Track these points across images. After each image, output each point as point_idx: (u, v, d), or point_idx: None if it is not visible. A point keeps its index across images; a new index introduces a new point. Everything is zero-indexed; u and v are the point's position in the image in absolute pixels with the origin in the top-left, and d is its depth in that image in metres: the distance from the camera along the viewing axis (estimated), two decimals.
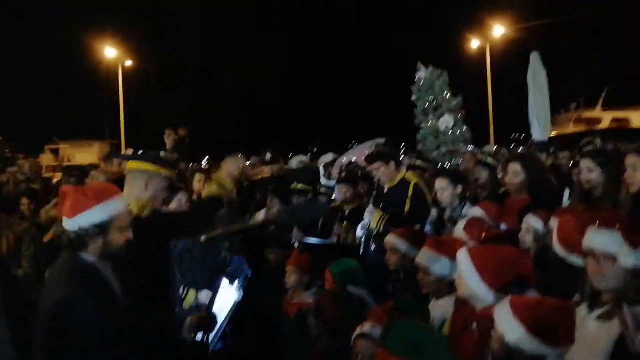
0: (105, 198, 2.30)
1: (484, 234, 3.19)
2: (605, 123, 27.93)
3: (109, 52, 29.02)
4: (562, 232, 2.56)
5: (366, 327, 2.57)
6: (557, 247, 2.57)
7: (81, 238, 2.25)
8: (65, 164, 30.26)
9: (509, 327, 1.86)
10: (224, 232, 2.03)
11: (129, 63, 30.18)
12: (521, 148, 13.19)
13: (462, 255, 2.48)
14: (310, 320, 3.20)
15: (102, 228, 2.27)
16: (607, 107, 30.40)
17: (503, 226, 3.38)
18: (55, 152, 33.88)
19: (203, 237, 2.11)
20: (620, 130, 21.99)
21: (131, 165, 3.16)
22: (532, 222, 3.24)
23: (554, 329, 1.85)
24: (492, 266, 2.37)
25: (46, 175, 23.70)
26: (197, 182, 4.93)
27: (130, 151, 6.53)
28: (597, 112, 30.28)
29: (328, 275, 3.57)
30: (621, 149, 8.02)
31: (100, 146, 35.20)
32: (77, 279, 2.24)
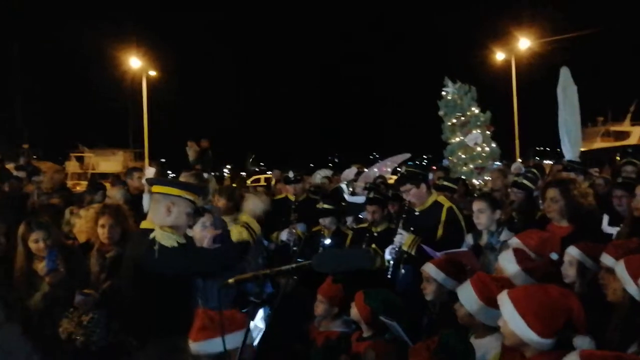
0: (229, 330, 2.25)
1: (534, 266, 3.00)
2: (634, 137, 27.27)
3: (134, 62, 29.42)
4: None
5: None
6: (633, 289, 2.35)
7: None
8: (90, 171, 30.71)
9: None
10: (254, 275, 1.89)
11: (152, 73, 30.57)
12: (552, 163, 12.86)
13: (504, 300, 2.30)
14: None
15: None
16: (636, 120, 29.71)
17: (554, 255, 3.18)
18: (80, 159, 34.41)
19: (232, 280, 1.97)
20: None
21: (155, 189, 3.09)
22: (576, 255, 3.04)
23: None
24: (540, 312, 2.21)
25: (71, 182, 24.14)
26: (220, 203, 4.77)
27: (151, 170, 6.42)
28: (625, 126, 29.60)
29: (363, 307, 3.37)
30: None
31: (123, 155, 35.68)
32: None
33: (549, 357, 2.17)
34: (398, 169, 10.83)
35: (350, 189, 8.11)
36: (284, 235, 5.43)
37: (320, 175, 9.27)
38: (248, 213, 3.30)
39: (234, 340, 2.20)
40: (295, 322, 4.05)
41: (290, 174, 5.87)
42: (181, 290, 3.03)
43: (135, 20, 50.75)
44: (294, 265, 1.84)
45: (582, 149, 13.24)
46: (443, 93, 10.03)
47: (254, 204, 3.36)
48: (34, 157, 33.89)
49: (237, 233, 3.18)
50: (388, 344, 3.17)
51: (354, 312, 3.42)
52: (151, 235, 2.88)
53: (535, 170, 6.02)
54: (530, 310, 2.22)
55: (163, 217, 2.97)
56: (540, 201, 4.38)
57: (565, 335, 2.22)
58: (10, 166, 10.51)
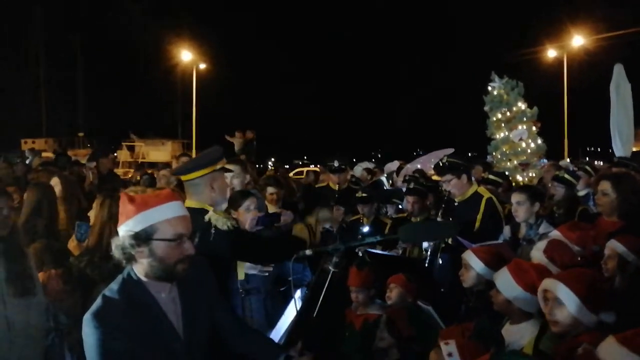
0: (150, 205, 1.99)
1: (568, 260, 2.98)
2: None
3: (185, 55, 30.30)
4: None
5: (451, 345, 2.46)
6: None
7: (124, 251, 1.98)
8: (140, 160, 31.72)
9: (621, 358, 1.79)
10: (334, 247, 1.94)
11: (202, 66, 31.41)
12: (601, 162, 12.53)
13: (558, 286, 2.39)
14: (380, 333, 3.14)
15: (142, 240, 1.95)
16: None
17: (595, 247, 3.15)
18: (131, 148, 35.46)
19: (309, 251, 2.01)
20: None
21: (188, 177, 3.04)
22: (617, 248, 3.01)
23: None
24: (592, 291, 2.34)
25: (122, 170, 25.07)
26: (270, 194, 4.80)
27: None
28: None
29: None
30: None
31: (172, 145, 36.59)
32: (111, 295, 1.98)
33: (595, 336, 2.17)
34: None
35: (390, 182, 8.15)
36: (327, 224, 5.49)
37: (361, 168, 9.35)
38: (316, 219, 3.36)
39: (154, 215, 1.98)
40: (334, 305, 4.15)
41: (335, 163, 5.94)
42: (223, 272, 3.11)
43: (188, 13, 52.00)
44: (379, 237, 1.89)
45: (635, 149, 12.79)
46: (489, 88, 9.91)
47: (324, 214, 3.56)
48: (88, 145, 35.37)
49: (298, 230, 3.24)
50: (402, 311, 3.22)
51: (392, 294, 3.51)
52: (206, 217, 2.89)
53: (588, 168, 5.94)
54: (585, 290, 2.33)
55: (209, 196, 3.00)
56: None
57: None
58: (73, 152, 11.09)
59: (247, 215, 3.86)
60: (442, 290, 4.19)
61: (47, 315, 3.09)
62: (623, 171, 4.73)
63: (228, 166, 3.28)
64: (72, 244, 3.69)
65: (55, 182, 4.70)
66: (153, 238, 1.96)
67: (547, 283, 2.45)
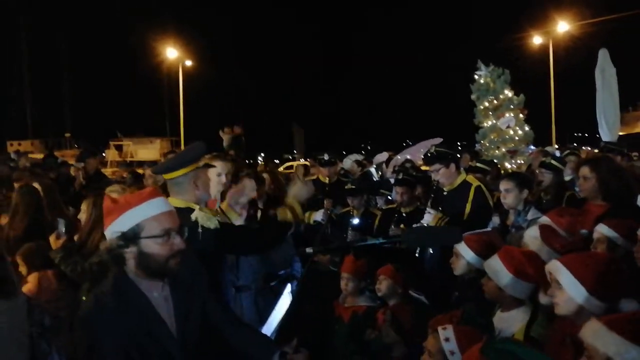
0: (133, 204, 2.00)
1: (560, 245, 2.99)
2: None
3: (171, 52, 30.12)
4: None
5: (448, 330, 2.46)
6: None
7: (114, 252, 1.98)
8: (129, 159, 31.50)
9: (617, 346, 1.72)
10: (337, 245, 1.93)
11: (188, 63, 31.24)
12: (588, 148, 12.65)
13: (558, 268, 2.31)
14: (386, 330, 3.14)
15: (129, 239, 1.97)
16: None
17: (584, 232, 3.17)
18: (119, 148, 35.18)
19: (309, 249, 2.00)
20: None
21: (170, 176, 2.94)
22: (605, 232, 3.03)
23: None
24: (597, 276, 2.22)
25: (110, 169, 24.87)
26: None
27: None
28: None
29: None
30: None
31: (161, 143, 36.36)
32: (103, 296, 1.98)
33: None
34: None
35: (379, 173, 8.16)
36: (318, 216, 5.47)
37: (350, 160, 9.35)
38: (292, 197, 3.34)
39: (139, 213, 2.00)
40: (324, 298, 4.15)
41: (325, 157, 5.95)
42: (213, 267, 3.06)
43: (172, 11, 51.56)
44: (381, 239, 1.86)
45: (622, 133, 12.91)
46: (476, 76, 9.93)
47: (298, 189, 3.42)
48: (76, 145, 35.06)
49: (281, 213, 3.24)
50: (405, 307, 3.24)
51: (381, 286, 3.51)
52: (193, 217, 2.83)
53: (576, 152, 5.98)
54: (587, 274, 2.24)
55: (194, 194, 2.93)
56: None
57: (616, 300, 2.23)
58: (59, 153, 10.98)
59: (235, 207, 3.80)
60: (432, 279, 4.19)
61: (31, 317, 3.07)
62: (601, 154, 4.78)
63: (211, 161, 3.24)
64: (51, 239, 3.67)
65: None
66: (141, 236, 1.96)
67: (549, 265, 2.39)
